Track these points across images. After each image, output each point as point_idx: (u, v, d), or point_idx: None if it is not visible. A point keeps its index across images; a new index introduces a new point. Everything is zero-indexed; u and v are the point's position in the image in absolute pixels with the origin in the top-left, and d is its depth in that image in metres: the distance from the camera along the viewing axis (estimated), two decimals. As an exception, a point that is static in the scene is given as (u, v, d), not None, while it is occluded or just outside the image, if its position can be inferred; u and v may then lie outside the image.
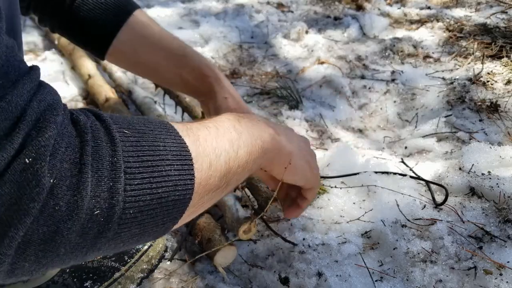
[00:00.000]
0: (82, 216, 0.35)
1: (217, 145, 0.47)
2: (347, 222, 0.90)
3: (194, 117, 1.05)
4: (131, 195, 0.38)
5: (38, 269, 0.36)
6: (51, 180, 0.33)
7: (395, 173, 1.01)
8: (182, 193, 0.42)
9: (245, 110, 0.77)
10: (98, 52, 0.78)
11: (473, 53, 1.49)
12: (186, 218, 0.46)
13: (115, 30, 0.75)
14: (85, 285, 0.69)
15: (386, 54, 1.56)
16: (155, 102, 1.20)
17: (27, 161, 0.32)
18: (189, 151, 0.43)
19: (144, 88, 1.36)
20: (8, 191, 0.31)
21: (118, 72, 1.34)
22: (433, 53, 1.55)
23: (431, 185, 0.98)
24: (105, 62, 1.39)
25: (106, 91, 1.23)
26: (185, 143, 0.43)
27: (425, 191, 0.98)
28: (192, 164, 0.43)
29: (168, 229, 0.44)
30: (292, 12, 1.96)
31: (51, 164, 0.33)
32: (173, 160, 0.41)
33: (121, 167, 0.37)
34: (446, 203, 0.92)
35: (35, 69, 0.36)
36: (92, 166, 0.36)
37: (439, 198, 0.94)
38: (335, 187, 0.98)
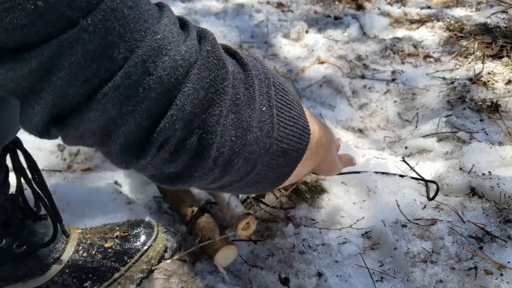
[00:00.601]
0: (256, 113, 0.39)
1: (311, 120, 0.53)
2: (348, 222, 0.89)
3: None
4: (280, 121, 0.43)
5: (204, 157, 0.36)
6: (230, 68, 0.37)
7: (394, 174, 1.01)
8: (305, 128, 0.48)
9: None
10: None
11: (473, 53, 1.49)
12: (294, 176, 0.50)
13: None
14: (84, 285, 0.69)
15: (387, 53, 1.56)
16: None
17: (209, 48, 0.36)
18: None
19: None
20: (204, 75, 0.35)
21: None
22: (433, 52, 1.55)
23: (426, 181, 0.98)
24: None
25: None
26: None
27: (425, 190, 0.98)
28: (305, 116, 0.49)
29: (287, 176, 0.49)
30: (292, 11, 1.96)
31: (224, 55, 0.38)
32: (300, 107, 0.48)
33: (272, 95, 0.43)
34: (447, 203, 0.92)
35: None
36: (253, 73, 0.40)
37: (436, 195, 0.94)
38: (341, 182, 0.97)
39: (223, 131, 0.36)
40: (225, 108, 0.36)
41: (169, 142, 0.34)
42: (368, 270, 0.79)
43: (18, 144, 0.61)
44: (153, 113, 0.32)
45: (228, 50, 0.42)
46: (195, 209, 0.85)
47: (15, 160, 0.62)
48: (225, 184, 0.42)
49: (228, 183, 0.42)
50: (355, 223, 0.88)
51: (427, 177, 1.01)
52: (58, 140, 0.34)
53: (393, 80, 1.41)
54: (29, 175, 0.64)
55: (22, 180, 0.64)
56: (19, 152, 0.62)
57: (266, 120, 0.41)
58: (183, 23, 0.37)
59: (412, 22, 1.80)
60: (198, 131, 0.35)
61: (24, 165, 0.63)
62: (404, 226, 0.87)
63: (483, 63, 1.41)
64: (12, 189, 0.65)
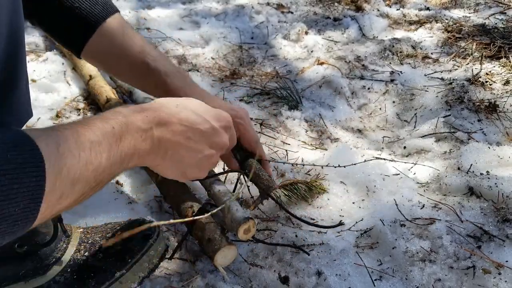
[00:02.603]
0: None
1: (79, 177, 0.48)
2: (347, 222, 0.90)
3: None
4: None
5: None
6: None
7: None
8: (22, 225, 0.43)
9: None
10: (74, 51, 0.83)
11: (471, 54, 1.50)
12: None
13: (87, 35, 0.79)
14: (86, 284, 0.69)
15: (385, 54, 1.57)
16: (156, 102, 1.20)
17: None
18: (43, 185, 0.43)
19: (144, 89, 1.36)
20: None
21: (118, 73, 1.35)
22: (432, 53, 1.56)
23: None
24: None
25: (107, 92, 1.23)
26: (44, 181, 0.43)
27: (424, 191, 0.99)
28: (40, 202, 0.44)
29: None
30: (292, 13, 1.97)
31: None
32: (20, 200, 0.42)
33: None
34: (445, 203, 0.93)
35: None
36: None
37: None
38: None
39: None
40: None
41: None
42: (367, 269, 0.80)
43: None
44: None
45: None
46: (195, 209, 0.86)
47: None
48: None
49: None
50: (353, 225, 0.89)
51: (424, 177, 1.02)
52: None
53: (392, 80, 1.41)
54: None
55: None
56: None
57: None
58: None
59: (410, 23, 1.81)
60: None
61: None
62: (402, 225, 0.88)
63: (481, 64, 1.42)
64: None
